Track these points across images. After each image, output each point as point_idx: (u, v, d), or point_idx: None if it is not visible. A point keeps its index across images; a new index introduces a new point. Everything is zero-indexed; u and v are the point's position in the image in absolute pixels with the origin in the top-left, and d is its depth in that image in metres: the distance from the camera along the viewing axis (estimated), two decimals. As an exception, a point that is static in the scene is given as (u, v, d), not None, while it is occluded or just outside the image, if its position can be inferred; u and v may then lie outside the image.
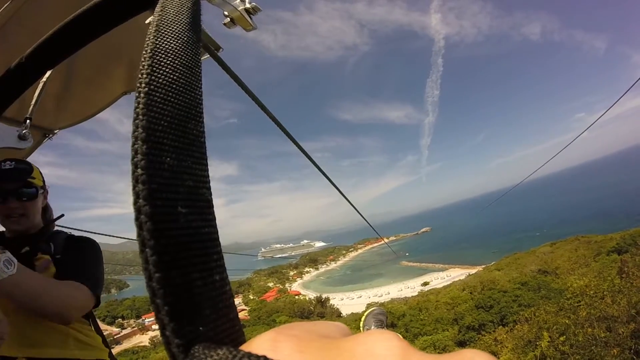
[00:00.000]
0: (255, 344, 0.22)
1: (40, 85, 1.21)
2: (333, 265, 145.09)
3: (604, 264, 31.42)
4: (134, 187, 0.24)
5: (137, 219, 0.24)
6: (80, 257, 1.81)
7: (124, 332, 75.32)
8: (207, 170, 0.30)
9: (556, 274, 34.25)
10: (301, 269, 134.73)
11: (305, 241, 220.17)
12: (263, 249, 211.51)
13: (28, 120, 1.19)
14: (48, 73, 1.14)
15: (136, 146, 0.26)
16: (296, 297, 78.84)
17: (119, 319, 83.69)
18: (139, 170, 0.25)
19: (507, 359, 17.83)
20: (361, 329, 2.71)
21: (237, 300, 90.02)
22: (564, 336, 13.00)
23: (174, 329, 0.22)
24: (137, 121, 0.27)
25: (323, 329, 0.26)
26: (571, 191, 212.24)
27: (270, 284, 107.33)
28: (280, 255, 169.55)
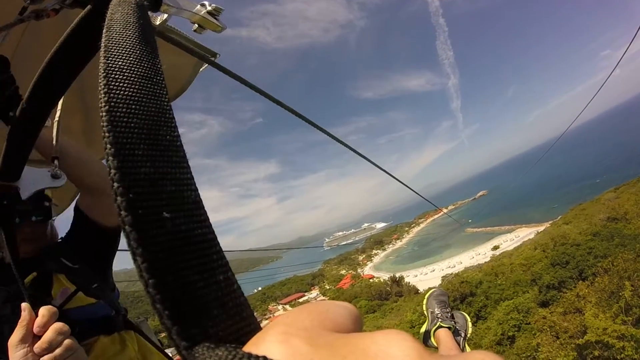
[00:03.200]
0: (264, 340, 0.22)
1: (56, 122, 1.23)
2: (399, 243, 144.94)
3: None
4: (115, 200, 0.25)
5: (123, 230, 0.24)
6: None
7: None
8: (190, 172, 0.30)
9: (626, 220, 33.38)
10: (369, 252, 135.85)
11: (366, 224, 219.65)
12: (327, 239, 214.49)
13: (56, 160, 1.21)
14: (58, 111, 1.20)
15: (109, 162, 0.27)
16: (370, 280, 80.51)
17: None
18: (115, 184, 0.26)
19: (593, 313, 18.55)
20: (424, 311, 2.84)
21: (314, 292, 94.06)
22: None
23: (179, 332, 0.22)
24: (105, 139, 0.28)
25: (334, 315, 0.26)
26: (617, 133, 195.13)
27: (343, 272, 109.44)
28: (345, 242, 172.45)
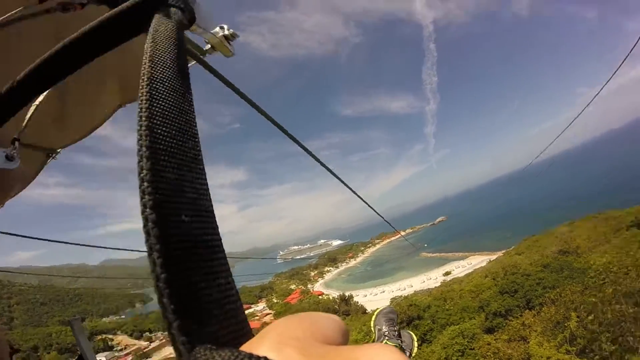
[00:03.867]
0: (257, 349, 0.23)
1: (33, 107, 1.22)
2: (353, 262, 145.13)
3: (624, 240, 31.70)
4: (142, 198, 0.28)
5: (145, 226, 0.27)
6: None
7: (152, 345, 76.86)
8: (207, 183, 0.34)
9: (577, 254, 34.38)
10: (321, 268, 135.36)
11: (322, 240, 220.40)
12: (281, 252, 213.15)
13: (17, 142, 1.21)
14: (41, 96, 1.17)
15: (141, 163, 0.30)
16: (319, 297, 79.43)
17: (146, 333, 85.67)
18: (145, 184, 0.28)
19: (538, 342, 18.09)
20: (372, 328, 2.87)
21: (262, 305, 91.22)
22: (592, 315, 13.20)
23: (179, 327, 0.23)
24: (140, 142, 0.31)
25: (324, 327, 0.27)
26: (584, 168, 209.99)
27: (293, 286, 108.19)
28: (299, 257, 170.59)
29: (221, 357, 0.21)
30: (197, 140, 0.36)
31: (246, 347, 0.24)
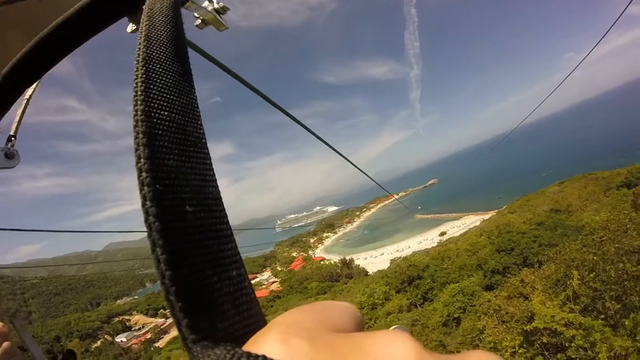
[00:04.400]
0: (264, 340, 0.22)
1: (24, 102, 1.20)
2: (350, 227, 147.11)
3: (615, 199, 32.30)
4: (141, 190, 0.26)
5: (146, 220, 0.25)
6: None
7: (169, 321, 78.18)
8: (212, 169, 0.32)
9: (569, 212, 34.99)
10: (320, 235, 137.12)
11: (318, 207, 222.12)
12: (279, 221, 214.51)
13: (13, 139, 1.17)
14: (30, 90, 1.16)
15: (139, 151, 0.27)
16: (321, 262, 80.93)
17: (161, 310, 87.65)
18: (144, 174, 0.26)
19: (540, 300, 18.83)
20: None
21: (267, 274, 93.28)
22: (594, 273, 13.77)
23: (189, 325, 0.22)
24: (137, 128, 0.29)
25: (334, 315, 0.26)
26: (571, 130, 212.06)
27: (294, 254, 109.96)
28: (297, 225, 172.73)
29: (217, 355, 0.20)
30: (199, 123, 0.34)
31: (253, 338, 0.24)
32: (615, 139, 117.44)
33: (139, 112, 0.29)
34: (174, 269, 0.24)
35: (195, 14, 0.77)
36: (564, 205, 37.73)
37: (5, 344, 0.90)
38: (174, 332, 69.57)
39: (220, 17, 0.78)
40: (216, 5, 0.76)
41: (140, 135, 0.28)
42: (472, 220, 76.18)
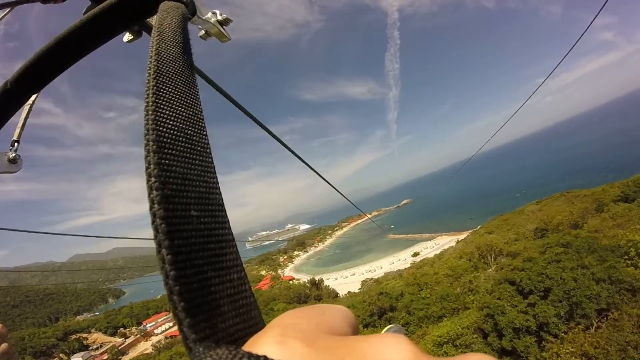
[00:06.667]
0: (262, 342, 0.23)
1: (27, 108, 1.14)
2: (321, 245, 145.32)
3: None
4: (149, 194, 0.27)
5: (153, 222, 0.26)
6: None
7: (128, 341, 73.94)
8: (216, 177, 0.33)
9: (559, 230, 30.85)
10: (290, 253, 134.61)
11: (290, 225, 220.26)
12: (250, 238, 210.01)
13: (16, 144, 1.13)
14: (33, 96, 1.07)
15: (148, 158, 0.29)
16: (290, 282, 78.32)
17: (120, 329, 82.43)
18: (152, 179, 0.27)
19: None
20: None
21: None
22: None
23: (190, 324, 0.23)
24: (147, 136, 0.30)
25: (331, 318, 0.27)
26: (542, 153, 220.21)
27: (263, 272, 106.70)
28: (268, 242, 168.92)
29: (218, 355, 0.20)
30: (204, 133, 0.36)
31: (252, 340, 0.24)
32: (587, 160, 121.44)
33: (150, 121, 0.31)
34: (178, 269, 0.24)
35: (200, 26, 0.80)
36: (553, 223, 35.06)
37: (4, 345, 0.92)
38: (132, 354, 64.66)
39: (224, 28, 0.80)
40: (219, 17, 0.78)
41: (151, 143, 0.30)
42: (445, 241, 75.71)
